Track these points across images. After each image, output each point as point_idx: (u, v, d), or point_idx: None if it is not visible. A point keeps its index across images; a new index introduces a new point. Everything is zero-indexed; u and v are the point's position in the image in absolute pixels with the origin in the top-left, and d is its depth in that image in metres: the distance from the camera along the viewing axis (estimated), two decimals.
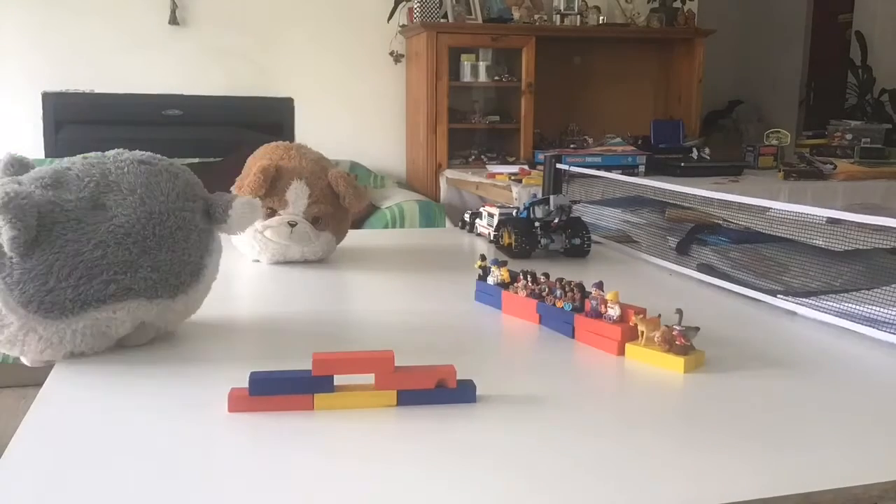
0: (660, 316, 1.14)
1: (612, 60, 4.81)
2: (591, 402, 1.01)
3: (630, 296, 1.23)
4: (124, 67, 4.19)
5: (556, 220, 1.84)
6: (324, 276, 1.74)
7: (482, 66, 4.39)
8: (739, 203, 1.71)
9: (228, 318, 1.36)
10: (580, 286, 1.25)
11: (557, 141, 4.49)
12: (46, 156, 4.06)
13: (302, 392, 0.94)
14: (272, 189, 1.70)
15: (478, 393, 0.97)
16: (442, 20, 4.25)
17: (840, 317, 1.30)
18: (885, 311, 1.26)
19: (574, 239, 1.85)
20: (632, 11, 4.67)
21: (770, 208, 1.65)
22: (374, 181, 4.32)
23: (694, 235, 1.85)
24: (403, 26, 4.48)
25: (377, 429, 0.90)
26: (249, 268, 1.76)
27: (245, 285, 1.64)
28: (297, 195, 1.71)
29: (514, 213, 1.98)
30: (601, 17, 4.55)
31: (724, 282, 1.56)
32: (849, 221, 1.46)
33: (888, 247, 1.52)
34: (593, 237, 1.91)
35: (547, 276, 1.34)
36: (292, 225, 1.71)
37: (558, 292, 1.27)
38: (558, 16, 4.47)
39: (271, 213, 1.70)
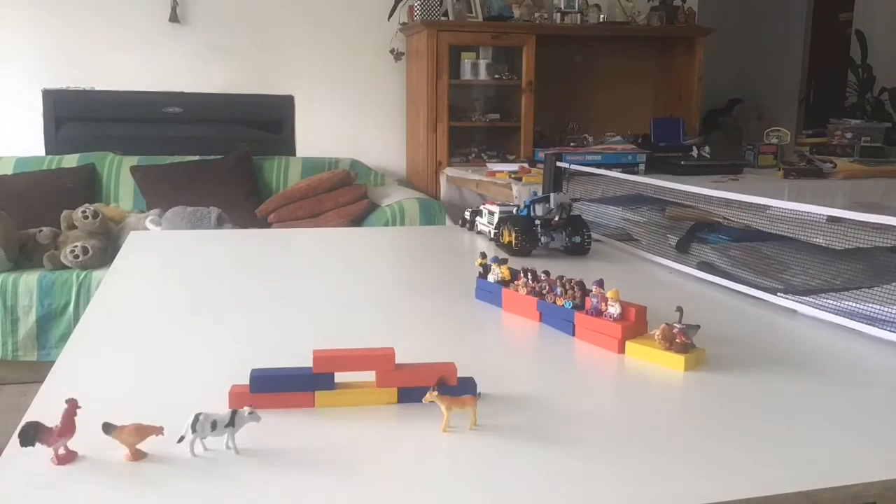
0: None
1: (612, 59, 4.80)
2: (592, 400, 1.01)
3: (630, 294, 1.23)
4: (125, 65, 4.18)
5: (556, 218, 1.85)
6: (324, 274, 1.74)
7: (482, 64, 4.39)
8: (739, 201, 1.71)
9: (229, 316, 1.36)
10: (580, 284, 1.25)
11: (558, 139, 4.48)
12: (47, 153, 4.06)
13: (303, 389, 0.94)
14: None
15: (478, 390, 0.98)
16: (442, 18, 4.24)
17: (840, 315, 1.30)
18: (886, 309, 1.26)
19: (574, 237, 1.85)
20: (632, 10, 4.66)
21: (770, 207, 1.65)
22: (375, 179, 4.32)
23: (694, 234, 1.85)
24: (404, 24, 4.47)
25: (378, 426, 0.91)
26: None
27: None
28: None
29: (514, 212, 1.98)
30: (601, 16, 4.55)
31: (724, 280, 1.56)
32: (849, 220, 1.46)
33: (888, 245, 1.52)
34: (593, 235, 1.91)
35: (547, 273, 1.34)
36: None
37: (559, 290, 1.27)
38: (559, 14, 4.46)
39: None
